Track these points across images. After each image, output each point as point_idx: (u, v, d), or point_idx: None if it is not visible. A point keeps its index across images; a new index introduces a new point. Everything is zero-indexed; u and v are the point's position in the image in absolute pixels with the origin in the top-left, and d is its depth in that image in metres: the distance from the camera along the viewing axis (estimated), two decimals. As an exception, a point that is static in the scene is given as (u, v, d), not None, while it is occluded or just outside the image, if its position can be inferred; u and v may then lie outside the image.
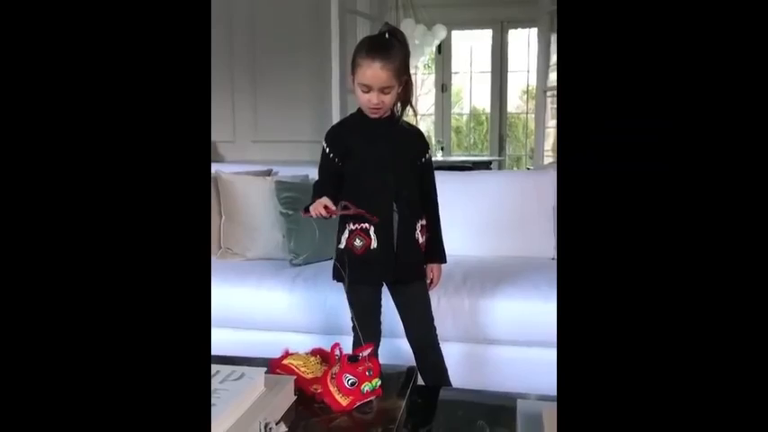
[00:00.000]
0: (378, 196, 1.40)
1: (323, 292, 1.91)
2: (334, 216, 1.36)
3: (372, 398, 1.05)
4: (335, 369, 1.06)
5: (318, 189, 1.42)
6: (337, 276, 1.49)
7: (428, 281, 1.54)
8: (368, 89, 1.37)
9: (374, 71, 1.34)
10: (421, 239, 1.48)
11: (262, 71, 3.55)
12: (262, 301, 1.94)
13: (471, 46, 6.20)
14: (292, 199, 2.19)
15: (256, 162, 2.64)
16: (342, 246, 1.46)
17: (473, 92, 6.51)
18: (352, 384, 1.02)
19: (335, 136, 1.47)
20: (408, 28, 4.19)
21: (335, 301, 1.89)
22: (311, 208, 1.36)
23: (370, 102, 1.38)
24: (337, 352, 1.10)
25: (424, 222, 1.50)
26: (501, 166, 5.67)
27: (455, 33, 5.69)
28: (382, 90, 1.36)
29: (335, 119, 2.95)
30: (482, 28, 5.82)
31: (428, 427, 1.04)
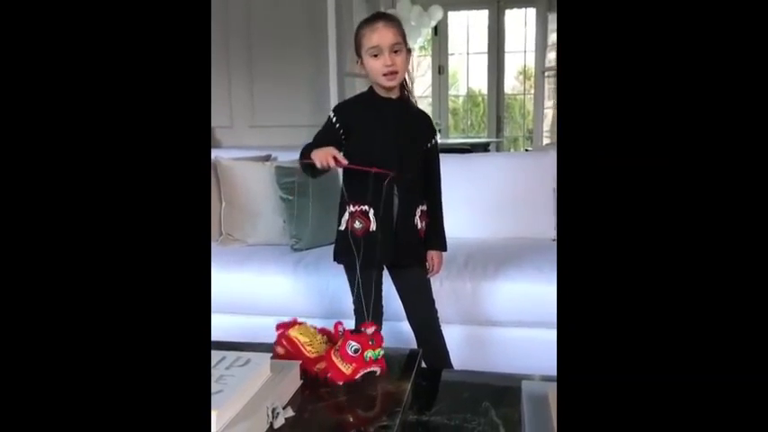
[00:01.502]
0: (378, 177, 1.37)
1: (325, 277, 1.92)
2: (338, 167, 1.30)
3: (377, 368, 1.05)
4: (339, 343, 1.07)
5: (313, 147, 1.35)
6: (338, 258, 1.50)
7: (428, 268, 1.53)
8: (377, 52, 1.35)
9: (379, 31, 1.35)
10: (420, 225, 1.48)
11: (258, 55, 3.52)
12: (264, 287, 1.95)
13: (468, 27, 6.15)
14: (293, 184, 2.19)
15: (254, 147, 2.62)
16: (342, 228, 1.46)
17: (470, 73, 6.47)
18: (356, 351, 1.03)
19: (345, 109, 1.46)
20: (404, 9, 4.15)
21: (337, 285, 1.90)
22: (317, 155, 1.29)
23: (384, 64, 1.35)
24: (341, 329, 1.10)
25: (424, 208, 1.49)
26: (499, 148, 5.66)
27: (451, 14, 5.65)
28: (392, 49, 1.35)
29: (333, 103, 2.94)
30: (478, 8, 5.77)
31: (434, 410, 1.05)
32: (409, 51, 1.41)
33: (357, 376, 1.04)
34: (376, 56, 1.36)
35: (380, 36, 1.35)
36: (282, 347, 1.14)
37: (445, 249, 1.56)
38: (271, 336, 1.18)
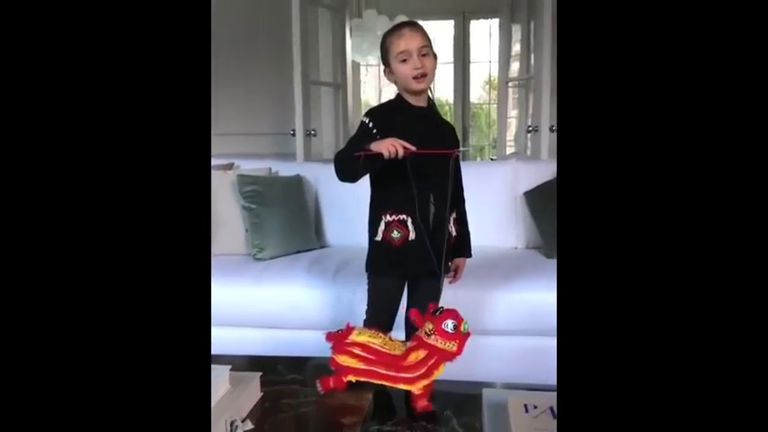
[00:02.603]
0: (416, 185, 1.33)
1: (289, 287, 1.90)
2: (407, 155, 1.23)
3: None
4: (425, 329, 1.04)
5: (348, 152, 1.31)
6: (372, 269, 1.46)
7: (451, 273, 1.53)
8: (406, 56, 1.36)
9: (406, 36, 1.37)
10: (454, 232, 1.47)
11: (221, 63, 3.48)
12: (226, 297, 1.91)
13: (433, 36, 6.20)
14: (256, 193, 2.17)
15: (217, 155, 2.58)
16: (378, 238, 1.41)
17: (436, 83, 6.52)
18: (454, 328, 1.02)
19: (381, 114, 1.41)
20: (370, 19, 4.16)
21: (303, 295, 1.88)
22: (381, 145, 1.23)
23: (414, 67, 1.35)
24: (413, 317, 1.07)
25: (455, 216, 1.48)
26: (464, 157, 5.70)
27: (417, 24, 5.68)
28: (420, 53, 1.36)
29: (298, 111, 2.92)
30: (444, 18, 5.82)
31: (395, 419, 1.04)
32: (435, 56, 1.42)
33: (463, 350, 1.03)
34: (405, 60, 1.36)
35: (408, 40, 1.36)
36: (353, 356, 1.08)
37: (470, 256, 1.56)
38: (231, 348, 1.15)
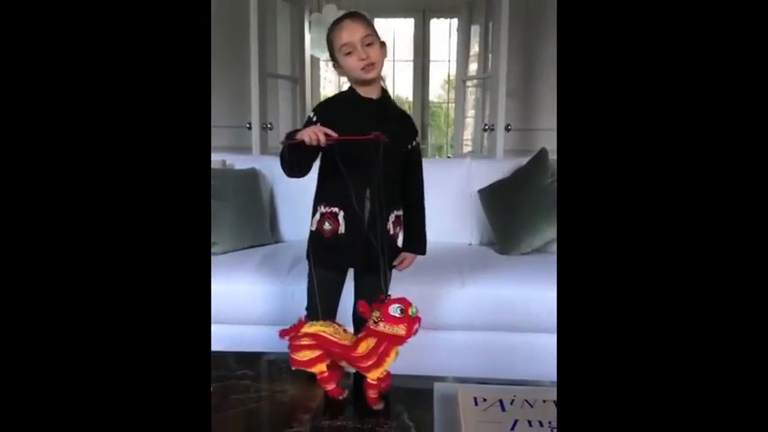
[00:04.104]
0: (349, 178, 1.28)
1: (242, 282, 1.87)
2: (329, 143, 1.21)
3: (418, 325, 1.03)
4: (373, 318, 1.03)
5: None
6: (307, 258, 1.46)
7: (396, 263, 1.50)
8: (350, 49, 1.34)
9: (347, 28, 1.34)
10: (393, 230, 1.44)
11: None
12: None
13: (394, 34, 6.21)
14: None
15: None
16: (313, 228, 1.43)
17: (396, 80, 6.54)
18: (401, 312, 1.01)
19: (326, 107, 1.40)
20: (330, 14, 4.13)
21: (255, 291, 1.86)
22: (304, 133, 1.22)
23: (359, 58, 1.33)
24: (360, 309, 1.05)
25: (399, 213, 1.46)
26: (423, 155, 5.74)
27: (378, 21, 5.68)
28: (364, 42, 1.33)
29: (254, 104, 2.88)
30: (404, 17, 5.84)
31: (346, 414, 1.04)
32: (383, 44, 1.39)
33: (413, 334, 1.02)
34: (350, 53, 1.34)
35: (350, 32, 1.33)
36: (306, 348, 1.08)
37: (423, 253, 1.53)
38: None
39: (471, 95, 3.89)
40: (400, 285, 1.71)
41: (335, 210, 1.39)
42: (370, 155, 1.27)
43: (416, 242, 1.52)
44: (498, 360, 1.83)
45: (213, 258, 2.03)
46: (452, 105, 6.23)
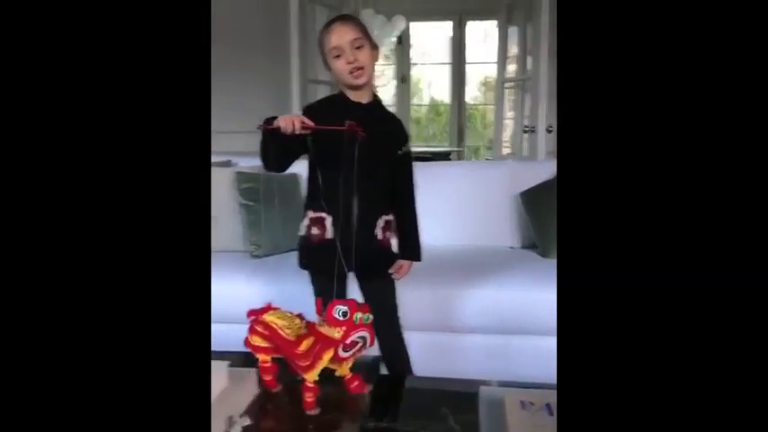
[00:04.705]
0: (336, 186, 1.31)
1: (283, 284, 1.90)
2: (304, 132, 1.21)
3: (365, 333, 1.00)
4: (323, 315, 1.01)
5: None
6: (300, 264, 1.48)
7: (393, 270, 1.49)
8: (339, 52, 1.33)
9: (336, 31, 1.33)
10: (381, 236, 1.42)
11: (219, 61, 3.48)
12: (221, 294, 1.91)
13: (431, 37, 6.21)
14: (253, 190, 2.17)
15: (214, 153, 2.58)
16: (302, 233, 1.44)
17: (432, 83, 6.54)
18: (344, 314, 0.98)
19: (314, 111, 1.36)
20: (368, 18, 4.16)
21: (296, 291, 1.88)
22: (281, 119, 1.21)
23: (347, 61, 1.32)
24: (317, 306, 1.04)
25: (389, 218, 1.44)
26: (460, 157, 5.72)
27: (415, 25, 5.70)
28: (353, 45, 1.32)
29: (296, 109, 2.92)
30: (441, 20, 5.84)
31: (393, 416, 1.05)
32: (375, 47, 1.37)
33: (348, 339, 0.98)
34: (338, 56, 1.33)
35: (339, 35, 1.32)
36: (258, 334, 1.07)
37: (419, 260, 1.52)
38: (227, 344, 1.15)
39: (510, 97, 3.86)
40: (447, 289, 1.72)
41: (323, 215, 1.38)
42: (351, 154, 1.26)
43: (410, 248, 1.50)
44: (543, 364, 1.81)
45: (255, 261, 2.07)
46: (489, 107, 6.21)
